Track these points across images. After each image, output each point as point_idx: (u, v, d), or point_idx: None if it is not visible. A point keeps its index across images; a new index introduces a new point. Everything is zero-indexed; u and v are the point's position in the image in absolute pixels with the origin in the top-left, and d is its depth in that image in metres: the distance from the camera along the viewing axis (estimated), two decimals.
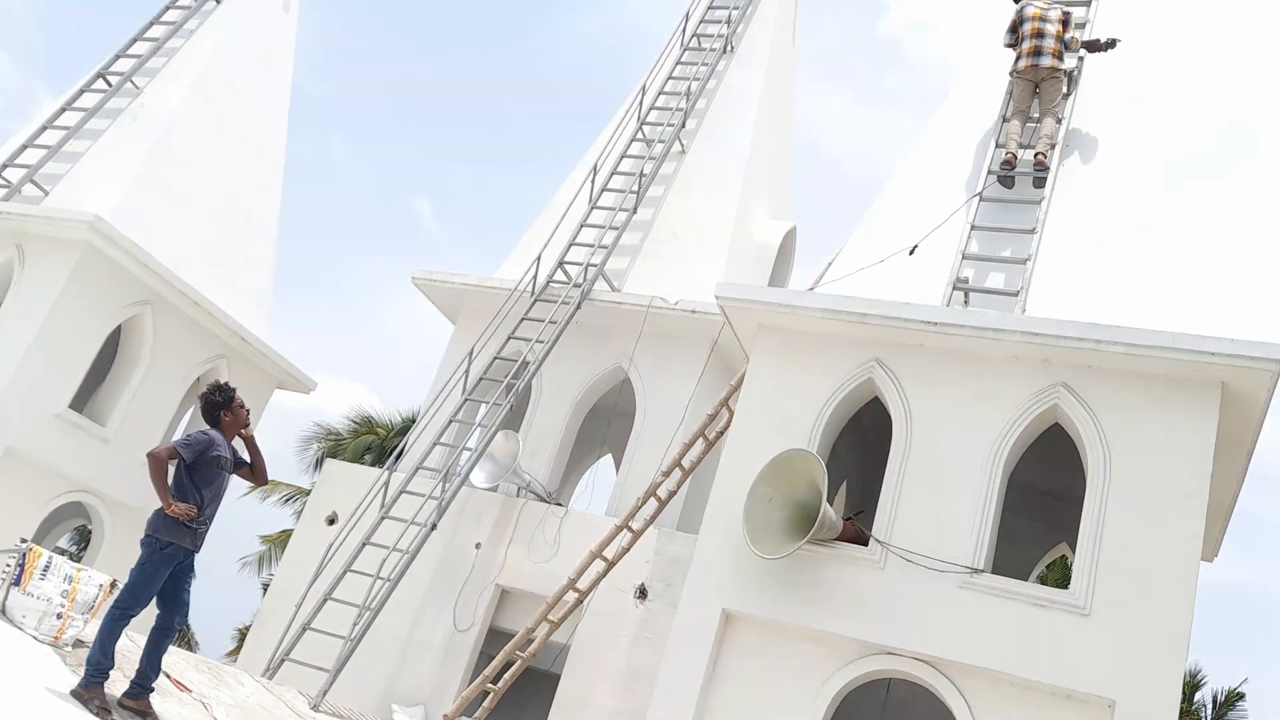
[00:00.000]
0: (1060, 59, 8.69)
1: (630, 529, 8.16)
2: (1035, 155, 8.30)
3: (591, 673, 8.38)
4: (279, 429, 42.90)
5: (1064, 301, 7.44)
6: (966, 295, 7.75)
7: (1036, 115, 8.70)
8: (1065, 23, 8.92)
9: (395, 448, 11.85)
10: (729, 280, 9.92)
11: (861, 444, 9.10)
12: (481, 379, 9.69)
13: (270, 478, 6.93)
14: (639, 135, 11.38)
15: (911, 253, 7.56)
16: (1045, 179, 8.24)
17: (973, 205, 8.25)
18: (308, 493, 18.31)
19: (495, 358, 9.78)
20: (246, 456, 5.89)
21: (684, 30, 12.28)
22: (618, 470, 10.52)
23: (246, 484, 7.41)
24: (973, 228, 8.12)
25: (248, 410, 6.03)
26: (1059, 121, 8.59)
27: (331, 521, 9.76)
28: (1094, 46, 8.84)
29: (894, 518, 6.98)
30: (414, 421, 14.48)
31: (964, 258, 7.91)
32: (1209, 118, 8.47)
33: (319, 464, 19.00)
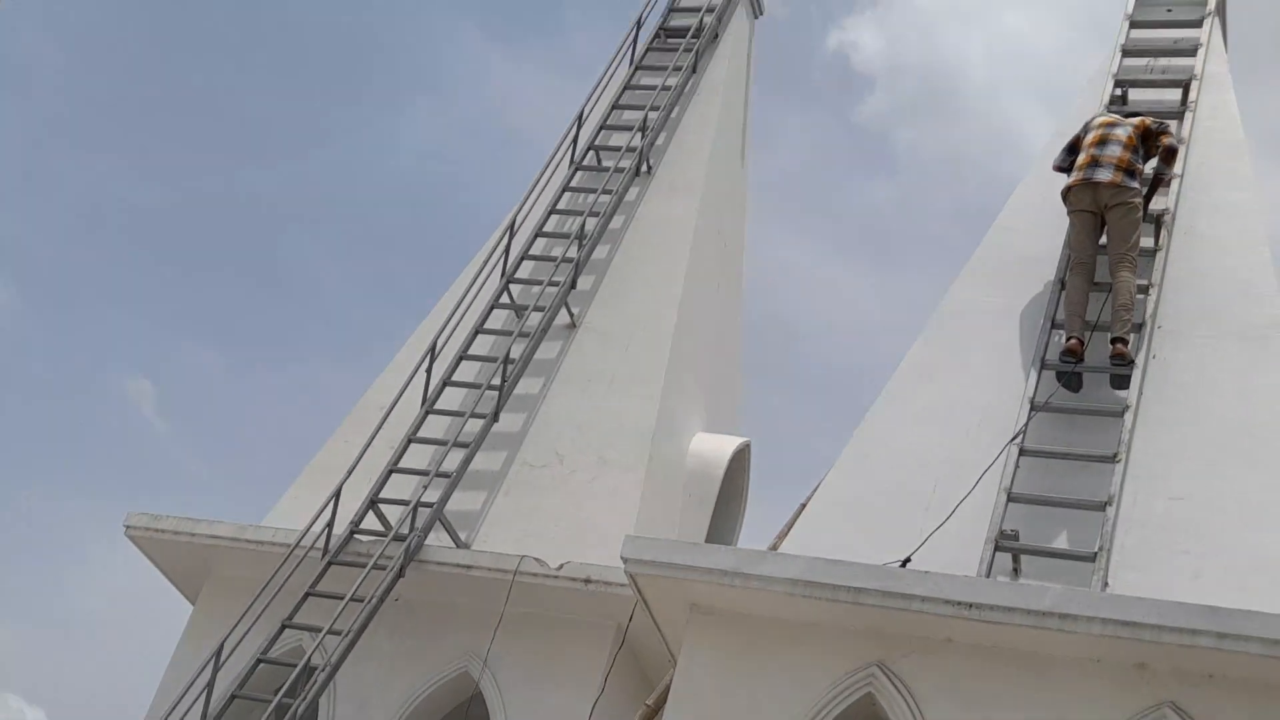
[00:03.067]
0: (1132, 176, 9.13)
1: None
2: (1112, 340, 8.61)
3: None
4: None
5: (1167, 571, 7.54)
6: (1016, 559, 7.81)
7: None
8: (1150, 133, 9.45)
9: None
10: (645, 532, 9.87)
11: None
12: (235, 697, 9.35)
13: None
14: (503, 299, 11.51)
15: (904, 564, 7.68)
16: (1129, 376, 8.53)
17: (1021, 417, 8.43)
18: None
19: (259, 659, 9.49)
20: None
21: (574, 140, 12.70)
22: None
23: None
24: (1022, 452, 8.29)
25: None
26: (1139, 280, 8.96)
27: None
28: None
29: None
30: None
31: (1009, 499, 8.04)
32: None
33: None
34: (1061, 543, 7.98)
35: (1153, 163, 9.57)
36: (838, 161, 39.97)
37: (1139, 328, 8.78)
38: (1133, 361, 8.57)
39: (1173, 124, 10.26)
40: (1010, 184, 10.94)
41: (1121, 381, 8.60)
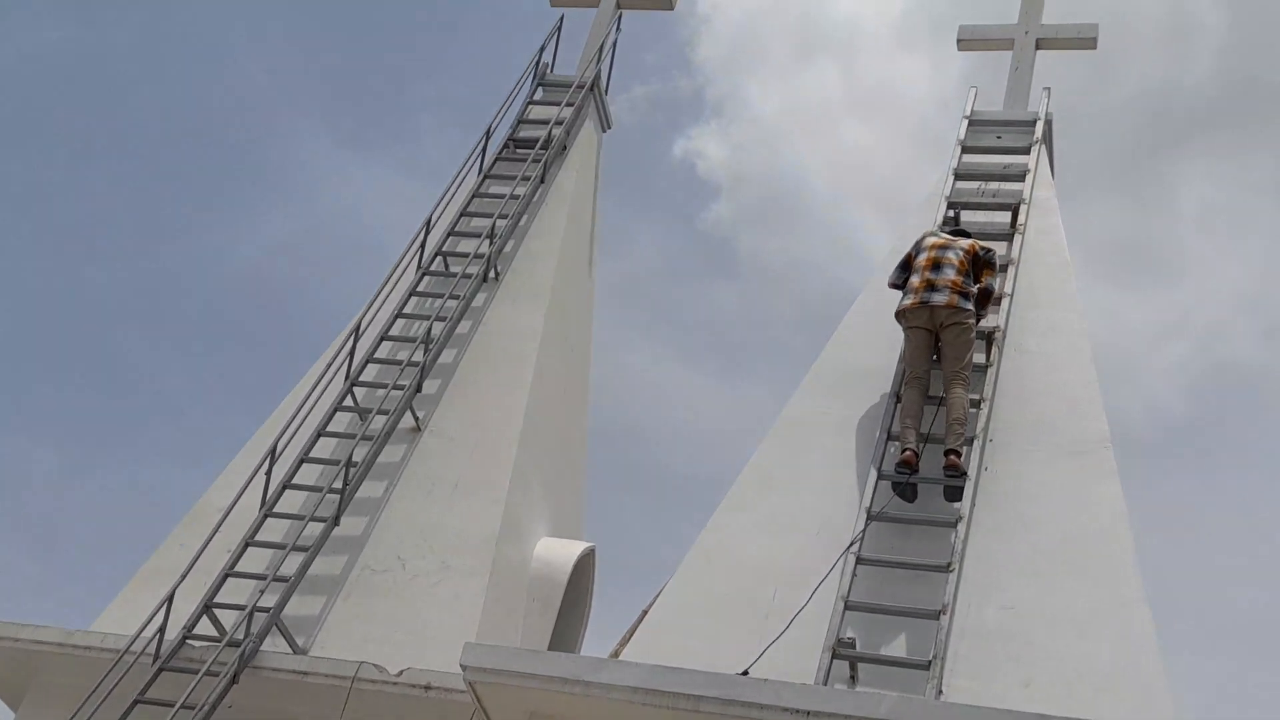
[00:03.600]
0: (966, 299, 9.45)
1: None
2: (945, 453, 8.84)
3: None
4: None
5: (999, 679, 7.70)
6: (854, 667, 7.92)
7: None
8: (978, 259, 9.79)
9: None
10: (487, 637, 9.79)
11: None
12: None
13: None
14: (347, 401, 11.44)
15: (744, 673, 7.74)
16: (962, 488, 8.75)
17: (858, 526, 8.60)
18: None
19: None
20: None
21: (422, 245, 12.73)
22: None
23: None
24: (859, 561, 8.44)
25: None
26: (971, 395, 9.23)
27: None
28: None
29: None
30: None
31: (847, 607, 8.16)
32: None
33: None
34: (898, 650, 8.10)
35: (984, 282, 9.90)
36: (684, 267, 40.53)
37: (971, 441, 9.03)
38: (965, 473, 8.80)
39: (1001, 245, 10.65)
40: (850, 291, 11.25)
41: (955, 493, 8.81)
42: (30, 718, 10.14)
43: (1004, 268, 10.38)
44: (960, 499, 8.75)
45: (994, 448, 9.19)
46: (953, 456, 8.84)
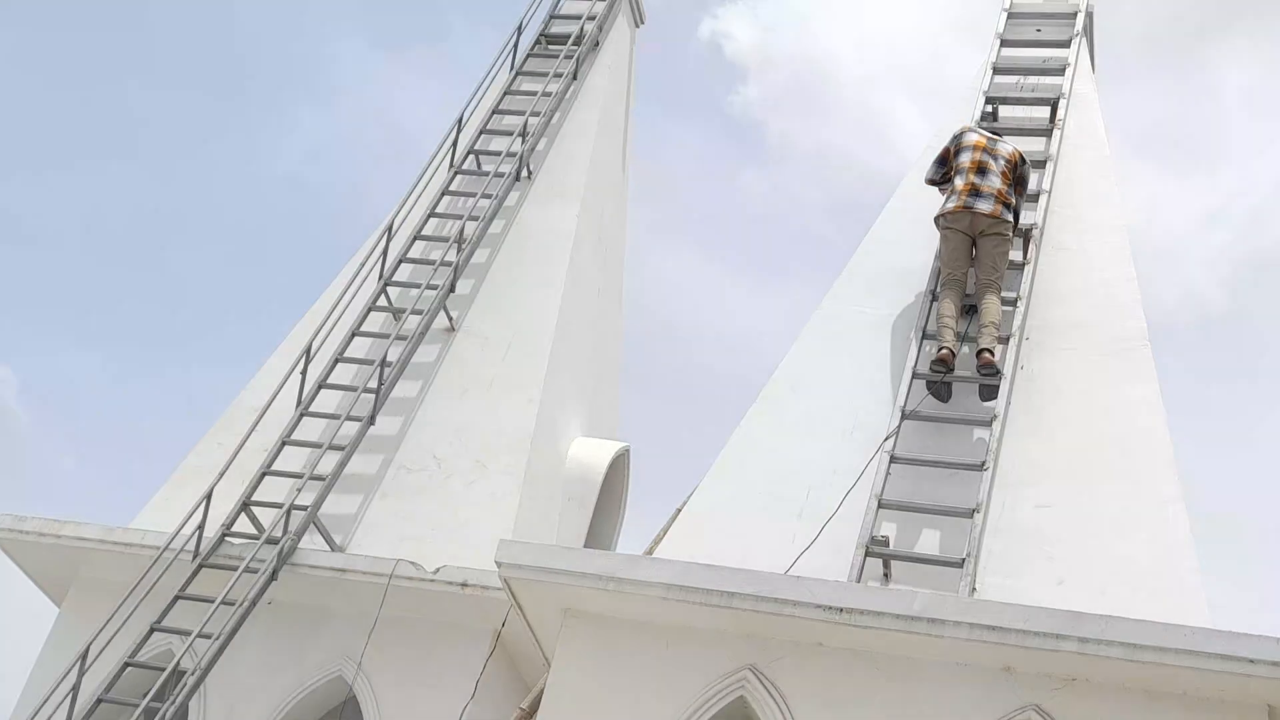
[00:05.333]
0: (1008, 209, 9.32)
1: None
2: (979, 353, 8.75)
3: None
4: None
5: (1033, 578, 7.67)
6: (887, 565, 7.91)
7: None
8: (1019, 167, 9.62)
9: None
10: (522, 536, 9.84)
11: None
12: (101, 700, 9.14)
13: None
14: (380, 301, 11.41)
15: (787, 571, 7.73)
16: (997, 387, 8.67)
17: (892, 425, 8.55)
18: None
19: (127, 663, 9.29)
20: None
21: (454, 144, 12.62)
22: None
23: None
24: (893, 460, 8.39)
25: None
26: (1006, 302, 9.13)
27: None
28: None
29: None
30: None
31: (880, 505, 8.13)
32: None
33: None
34: (931, 549, 8.08)
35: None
36: (715, 157, 40.06)
37: (1006, 340, 8.93)
38: (999, 371, 8.72)
39: (1040, 141, 10.48)
40: (882, 176, 11.10)
41: (990, 392, 8.74)
42: (74, 612, 10.29)
43: (1042, 164, 10.21)
44: (995, 398, 8.68)
45: (1030, 346, 9.09)
46: (986, 354, 8.76)
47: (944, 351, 8.82)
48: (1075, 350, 9.11)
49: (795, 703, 7.40)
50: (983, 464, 8.26)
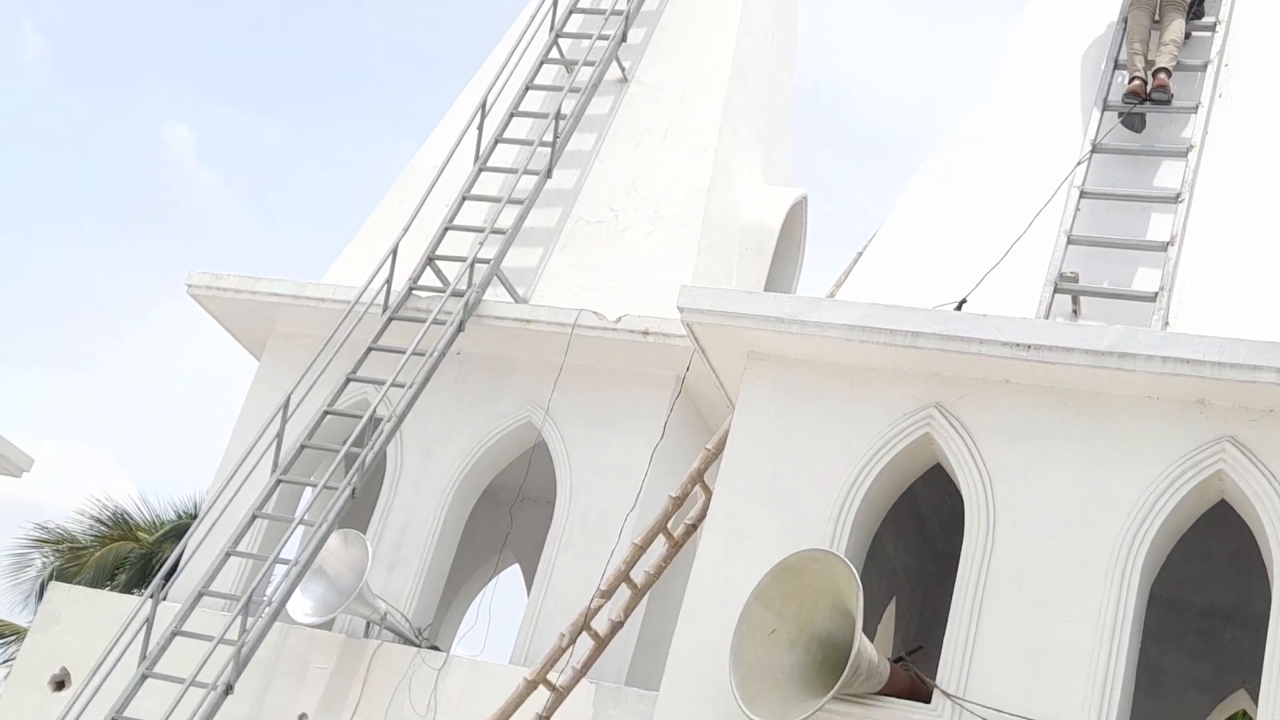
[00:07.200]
0: None
1: (550, 685, 8.06)
2: (1154, 73, 8.37)
3: None
4: None
5: (1229, 308, 7.49)
6: (1076, 301, 7.78)
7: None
8: None
9: (164, 561, 11.62)
10: (701, 283, 9.88)
11: (918, 539, 9.08)
12: (304, 447, 9.59)
13: None
14: (552, 54, 11.34)
15: (960, 305, 7.60)
16: (1190, 118, 8.33)
17: (1080, 156, 8.30)
18: (24, 635, 18.03)
19: (326, 412, 9.69)
20: None
21: None
22: (529, 591, 10.38)
23: None
24: (1082, 194, 8.17)
25: None
26: (1208, 22, 8.70)
27: (61, 685, 9.62)
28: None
29: (969, 657, 6.97)
30: (193, 519, 14.25)
31: (1070, 241, 7.94)
32: None
33: (43, 590, 18.72)
34: (1121, 285, 7.89)
35: None
36: None
37: (1205, 66, 8.52)
38: (1171, 95, 8.34)
39: None
40: None
41: (1181, 123, 8.39)
42: (272, 366, 10.73)
43: None
44: (1189, 127, 8.33)
45: (1229, 73, 8.65)
46: (1162, 74, 8.38)
47: (1135, 82, 8.45)
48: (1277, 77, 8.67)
49: (981, 438, 7.39)
50: (1177, 196, 7.99)
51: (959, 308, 7.69)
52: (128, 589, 17.27)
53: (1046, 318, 7.67)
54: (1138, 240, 7.98)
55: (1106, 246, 7.99)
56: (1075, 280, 7.81)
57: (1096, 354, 7.12)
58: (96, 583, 17.61)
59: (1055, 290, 7.76)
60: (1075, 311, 7.78)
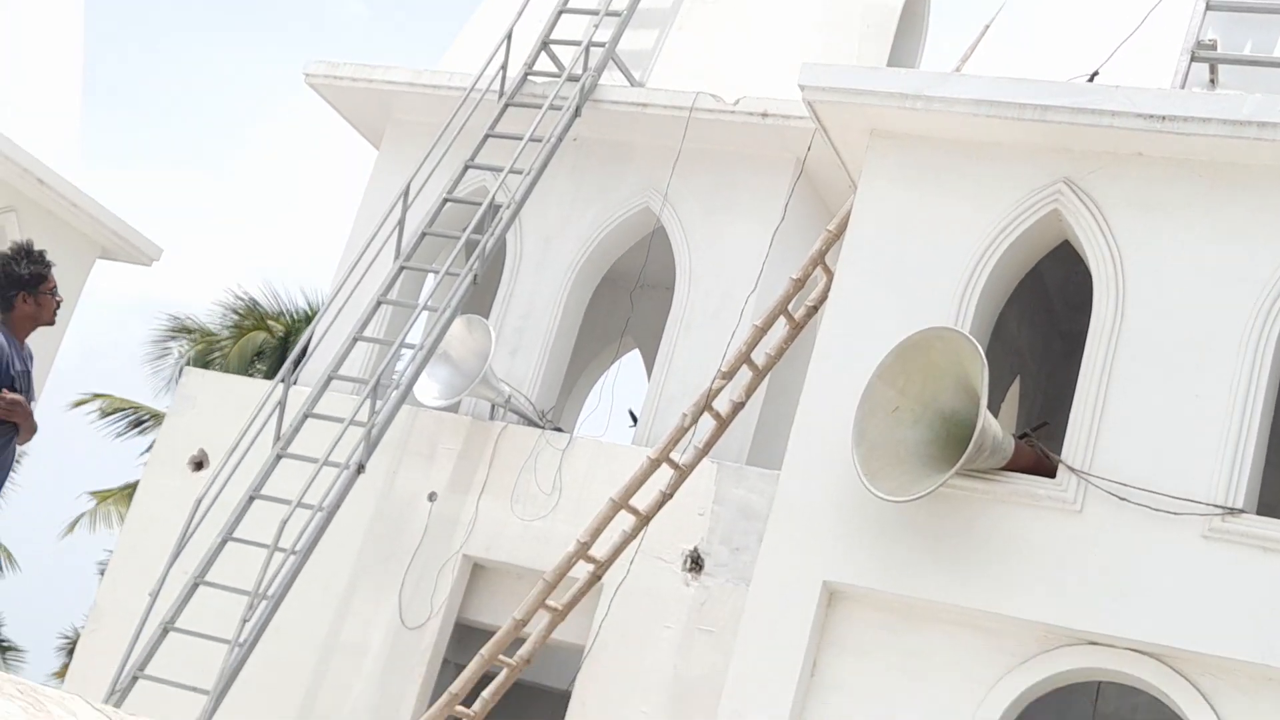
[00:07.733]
0: None
1: (673, 464, 8.18)
2: None
3: (619, 686, 8.48)
4: (107, 321, 43.29)
5: None
6: (1214, 70, 7.55)
7: None
8: None
9: (296, 348, 11.89)
10: (822, 60, 9.69)
11: (1043, 318, 9.02)
12: (425, 234, 9.64)
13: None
14: None
15: (1092, 78, 7.38)
16: None
17: None
18: (162, 420, 18.63)
19: (446, 199, 9.73)
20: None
21: None
22: (650, 373, 10.48)
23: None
24: None
25: (59, 300, 6.05)
26: None
27: (200, 465, 9.91)
28: None
29: (1096, 433, 6.99)
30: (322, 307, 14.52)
31: (1208, 7, 7.68)
32: None
33: (179, 377, 19.30)
34: (1263, 52, 7.65)
35: None
36: None
37: None
38: None
39: None
40: None
41: None
42: (391, 154, 10.74)
43: None
44: None
45: None
46: None
47: None
48: None
49: (1111, 213, 7.31)
50: None
51: (1091, 80, 7.52)
52: (268, 378, 17.73)
53: (1182, 88, 7.48)
54: None
55: (1247, 11, 7.73)
56: (1213, 48, 7.57)
57: (1234, 124, 6.98)
58: (237, 372, 17.97)
59: (1192, 59, 7.54)
60: (1213, 81, 7.57)
